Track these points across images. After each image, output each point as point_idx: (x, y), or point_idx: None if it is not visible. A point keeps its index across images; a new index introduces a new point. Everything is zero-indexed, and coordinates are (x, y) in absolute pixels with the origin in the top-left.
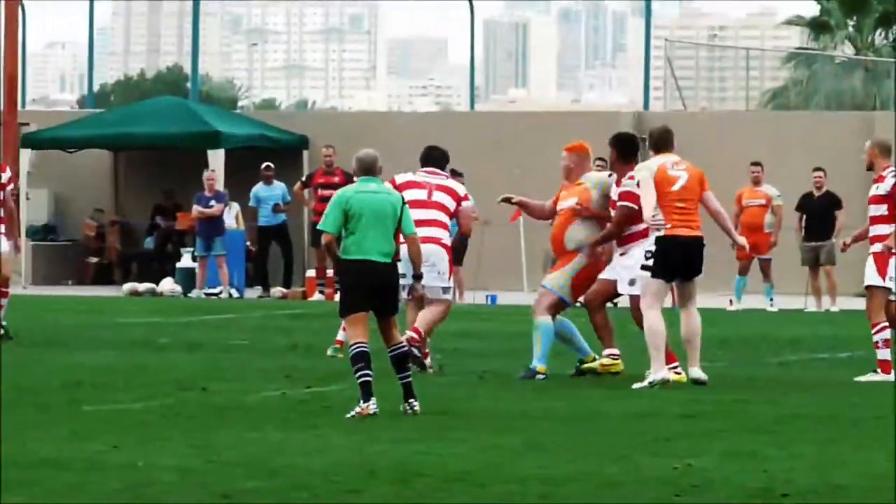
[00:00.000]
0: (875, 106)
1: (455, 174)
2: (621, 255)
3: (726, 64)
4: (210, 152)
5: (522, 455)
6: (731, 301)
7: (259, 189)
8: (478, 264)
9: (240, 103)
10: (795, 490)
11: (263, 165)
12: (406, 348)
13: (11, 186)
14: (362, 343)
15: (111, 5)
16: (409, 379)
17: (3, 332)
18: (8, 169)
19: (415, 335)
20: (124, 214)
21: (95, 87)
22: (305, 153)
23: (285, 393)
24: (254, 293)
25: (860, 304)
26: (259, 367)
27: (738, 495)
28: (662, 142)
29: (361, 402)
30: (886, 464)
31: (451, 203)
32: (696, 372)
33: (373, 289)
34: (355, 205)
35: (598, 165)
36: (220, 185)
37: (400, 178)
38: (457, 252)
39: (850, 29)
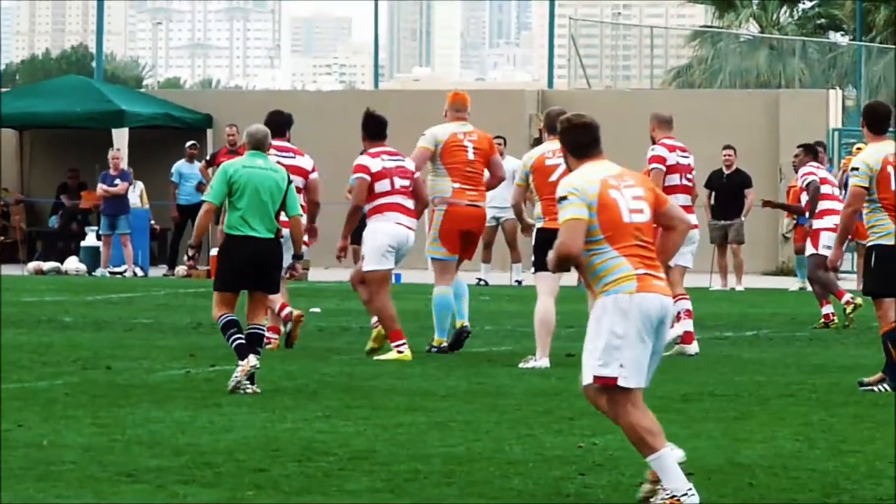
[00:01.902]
0: (780, 84)
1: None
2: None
3: (631, 42)
4: (115, 131)
5: (426, 433)
6: None
7: (181, 165)
8: None
9: (144, 82)
10: (700, 469)
11: (189, 143)
12: (262, 331)
13: None
14: (229, 313)
15: None
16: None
17: None
18: None
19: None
20: (29, 193)
21: (1, 67)
22: (209, 132)
23: (189, 371)
24: (158, 272)
25: (765, 282)
26: (163, 345)
27: (642, 474)
28: (555, 126)
29: (239, 361)
30: (791, 443)
31: (302, 183)
32: None
33: (254, 264)
34: (241, 179)
35: (497, 143)
36: (124, 164)
37: None
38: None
39: (755, 7)
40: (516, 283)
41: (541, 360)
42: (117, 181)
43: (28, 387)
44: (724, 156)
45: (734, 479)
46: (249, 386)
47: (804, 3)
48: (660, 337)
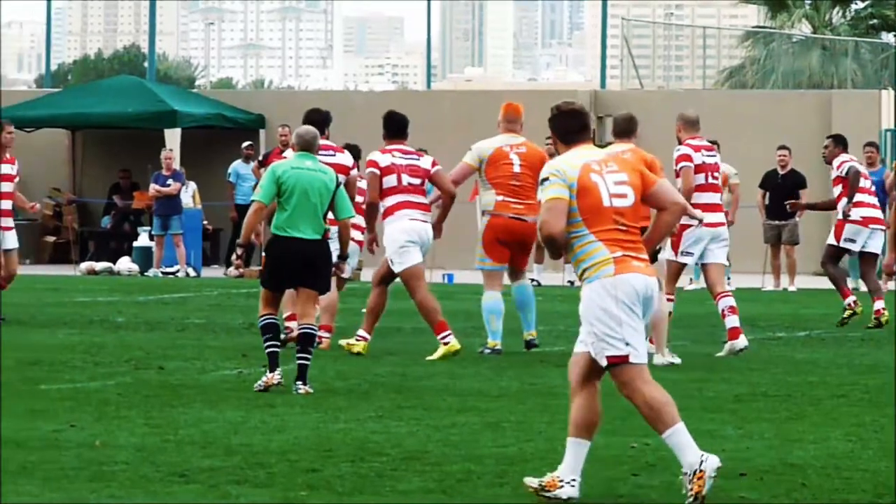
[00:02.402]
0: (832, 85)
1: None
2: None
3: (683, 42)
4: (167, 131)
5: (479, 434)
6: (690, 280)
7: (238, 166)
8: (435, 243)
9: (197, 83)
10: (753, 469)
11: (245, 143)
12: (314, 330)
13: (18, 179)
14: (271, 314)
15: None
16: (306, 362)
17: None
18: (17, 161)
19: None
20: (82, 193)
21: (53, 67)
22: (262, 132)
23: (242, 372)
24: (210, 272)
25: (818, 283)
26: (216, 345)
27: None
28: (622, 130)
29: (268, 372)
30: (843, 443)
31: (343, 179)
32: (659, 358)
33: (299, 263)
34: (289, 180)
35: (547, 143)
36: (176, 164)
37: None
38: None
39: (808, 7)
40: (569, 284)
41: (665, 358)
42: (170, 181)
43: (80, 387)
44: (779, 156)
45: (787, 480)
46: (302, 386)
47: (856, 4)
48: (646, 314)
